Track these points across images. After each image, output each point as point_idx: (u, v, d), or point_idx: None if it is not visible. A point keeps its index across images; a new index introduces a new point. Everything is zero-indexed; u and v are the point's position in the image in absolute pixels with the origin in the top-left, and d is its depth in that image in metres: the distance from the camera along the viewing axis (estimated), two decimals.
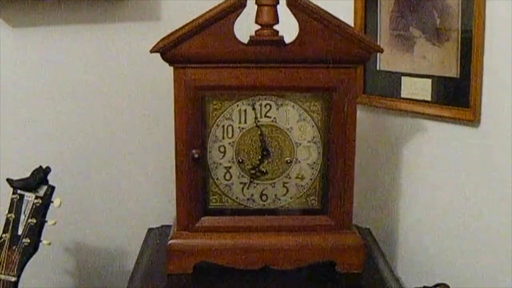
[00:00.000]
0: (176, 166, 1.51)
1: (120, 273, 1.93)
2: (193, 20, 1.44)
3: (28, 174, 1.45)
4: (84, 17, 1.81)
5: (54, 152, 1.82)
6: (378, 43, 1.79)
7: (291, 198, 1.57)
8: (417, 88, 1.74)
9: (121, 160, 1.96)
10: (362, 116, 1.80)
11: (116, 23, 1.87)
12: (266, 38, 1.45)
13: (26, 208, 1.44)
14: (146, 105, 1.95)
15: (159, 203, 1.98)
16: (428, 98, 1.72)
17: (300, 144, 1.54)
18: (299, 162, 1.55)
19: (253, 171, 1.55)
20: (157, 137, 1.96)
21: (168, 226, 1.72)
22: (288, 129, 1.53)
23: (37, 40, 1.77)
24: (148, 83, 1.93)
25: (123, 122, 1.94)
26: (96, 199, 1.93)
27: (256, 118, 1.52)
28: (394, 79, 1.79)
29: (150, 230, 1.82)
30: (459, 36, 1.62)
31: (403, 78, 1.77)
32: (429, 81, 1.71)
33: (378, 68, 1.83)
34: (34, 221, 1.43)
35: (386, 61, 1.81)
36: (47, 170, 1.47)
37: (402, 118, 1.80)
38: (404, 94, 1.78)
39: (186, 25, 1.44)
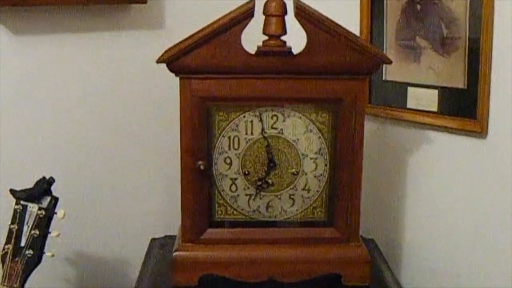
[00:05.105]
0: (182, 177, 1.50)
1: (124, 284, 1.92)
2: (200, 30, 1.43)
3: (31, 185, 1.44)
4: (87, 25, 1.80)
5: (57, 162, 1.80)
6: (384, 53, 1.77)
7: (297, 210, 1.56)
8: (423, 99, 1.73)
9: (125, 171, 1.94)
10: (367, 126, 1.76)
11: (119, 31, 1.85)
12: (273, 49, 1.44)
13: (29, 219, 1.43)
14: (150, 115, 1.94)
15: (162, 213, 1.97)
16: (435, 109, 1.71)
17: (306, 155, 1.53)
18: (306, 174, 1.54)
19: (259, 183, 1.53)
20: (162, 147, 1.94)
21: (171, 237, 1.70)
22: (294, 140, 1.52)
23: (39, 48, 1.75)
24: (153, 93, 1.92)
25: (127, 132, 1.92)
26: (100, 210, 1.91)
27: (262, 129, 1.51)
28: (400, 89, 1.78)
29: (153, 240, 1.81)
30: (467, 47, 1.62)
31: (409, 89, 1.76)
32: (435, 91, 1.70)
33: (384, 78, 1.82)
34: (38, 232, 1.42)
35: (392, 71, 1.80)
36: (50, 181, 1.46)
37: (408, 129, 1.80)
38: (410, 104, 1.77)
39: (193, 35, 1.42)
